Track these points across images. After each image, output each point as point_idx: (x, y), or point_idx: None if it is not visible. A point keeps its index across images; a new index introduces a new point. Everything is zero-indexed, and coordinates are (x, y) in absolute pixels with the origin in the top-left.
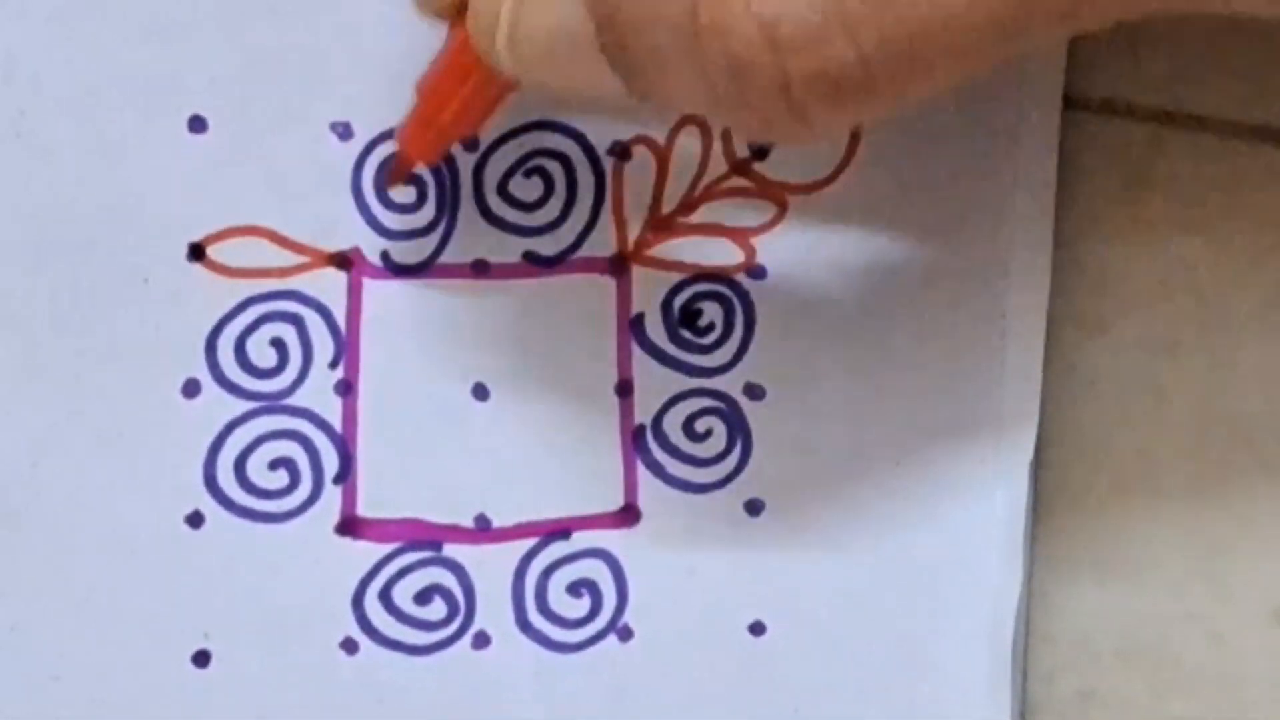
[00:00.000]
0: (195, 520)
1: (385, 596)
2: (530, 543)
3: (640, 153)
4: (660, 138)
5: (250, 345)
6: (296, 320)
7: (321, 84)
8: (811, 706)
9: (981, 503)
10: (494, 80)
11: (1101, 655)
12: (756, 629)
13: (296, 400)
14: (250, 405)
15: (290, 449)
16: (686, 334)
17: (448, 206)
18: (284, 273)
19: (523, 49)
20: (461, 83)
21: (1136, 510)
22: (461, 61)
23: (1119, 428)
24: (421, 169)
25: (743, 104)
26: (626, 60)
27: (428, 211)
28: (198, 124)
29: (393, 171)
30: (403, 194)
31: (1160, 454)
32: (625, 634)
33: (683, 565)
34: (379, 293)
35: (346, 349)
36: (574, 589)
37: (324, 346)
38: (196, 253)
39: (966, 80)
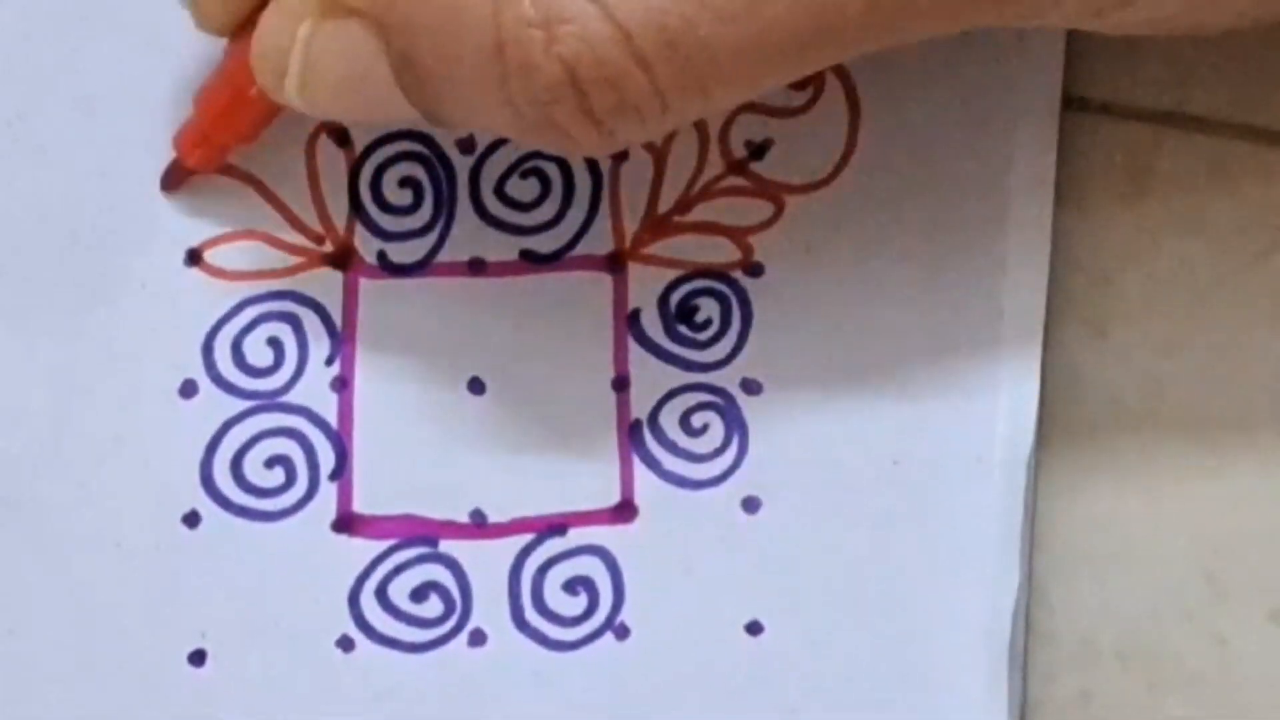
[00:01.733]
0: (192, 520)
1: (381, 593)
2: (526, 538)
3: (637, 152)
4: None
5: (247, 345)
6: (293, 319)
7: None
8: (809, 706)
9: (980, 501)
10: (269, 99)
11: (1101, 655)
12: (753, 628)
13: (292, 397)
14: (246, 403)
15: (286, 446)
16: (683, 329)
17: (444, 207)
18: (280, 273)
19: (315, 92)
20: (237, 100)
21: (1136, 510)
22: (239, 80)
23: (1119, 428)
24: (419, 172)
25: (550, 127)
26: (425, 97)
27: (424, 212)
28: None
29: (170, 178)
30: (399, 195)
31: (1160, 454)
32: (622, 632)
33: (680, 563)
34: (376, 292)
35: (343, 346)
36: (570, 586)
37: (320, 344)
38: (194, 258)
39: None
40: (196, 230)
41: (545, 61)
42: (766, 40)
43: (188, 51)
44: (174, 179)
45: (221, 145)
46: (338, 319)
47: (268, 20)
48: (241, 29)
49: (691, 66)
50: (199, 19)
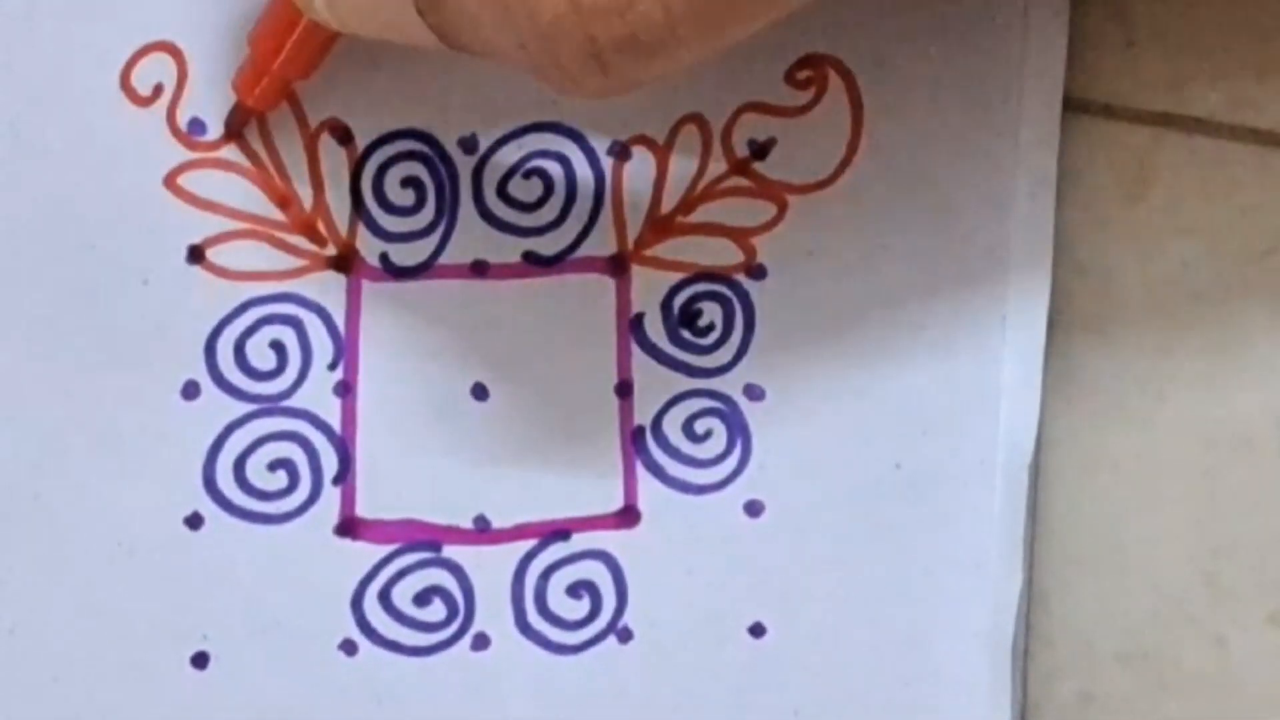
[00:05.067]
0: (194, 522)
1: (384, 597)
2: (530, 544)
3: (639, 153)
4: (660, 137)
5: (250, 347)
6: (295, 323)
7: (320, 87)
8: (811, 708)
9: (983, 505)
10: (319, 28)
11: (1101, 657)
12: (756, 630)
13: (295, 402)
14: (250, 407)
15: (289, 450)
16: (686, 334)
17: (447, 208)
18: (283, 275)
19: (341, 8)
20: (289, 32)
21: (1136, 511)
22: (287, 12)
23: (1119, 428)
24: (421, 171)
25: (553, 65)
26: (440, 20)
27: (427, 213)
28: (197, 128)
29: (234, 120)
30: (401, 195)
31: (1160, 454)
32: (625, 635)
33: (682, 567)
34: (378, 295)
35: (346, 351)
36: (574, 590)
37: (323, 348)
38: (196, 255)
39: (780, 20)
40: (198, 227)
41: None
42: None
43: (189, 51)
44: (237, 121)
45: (280, 81)
46: (340, 323)
47: None
48: None
49: None
50: None
